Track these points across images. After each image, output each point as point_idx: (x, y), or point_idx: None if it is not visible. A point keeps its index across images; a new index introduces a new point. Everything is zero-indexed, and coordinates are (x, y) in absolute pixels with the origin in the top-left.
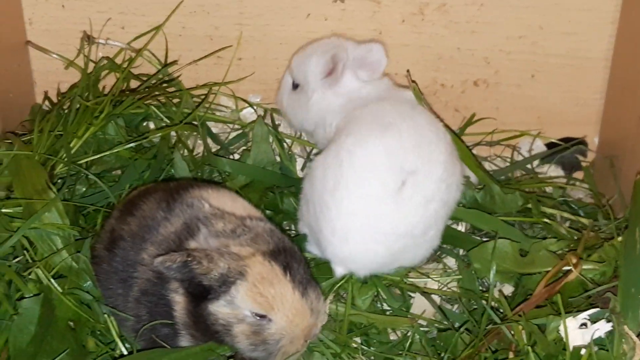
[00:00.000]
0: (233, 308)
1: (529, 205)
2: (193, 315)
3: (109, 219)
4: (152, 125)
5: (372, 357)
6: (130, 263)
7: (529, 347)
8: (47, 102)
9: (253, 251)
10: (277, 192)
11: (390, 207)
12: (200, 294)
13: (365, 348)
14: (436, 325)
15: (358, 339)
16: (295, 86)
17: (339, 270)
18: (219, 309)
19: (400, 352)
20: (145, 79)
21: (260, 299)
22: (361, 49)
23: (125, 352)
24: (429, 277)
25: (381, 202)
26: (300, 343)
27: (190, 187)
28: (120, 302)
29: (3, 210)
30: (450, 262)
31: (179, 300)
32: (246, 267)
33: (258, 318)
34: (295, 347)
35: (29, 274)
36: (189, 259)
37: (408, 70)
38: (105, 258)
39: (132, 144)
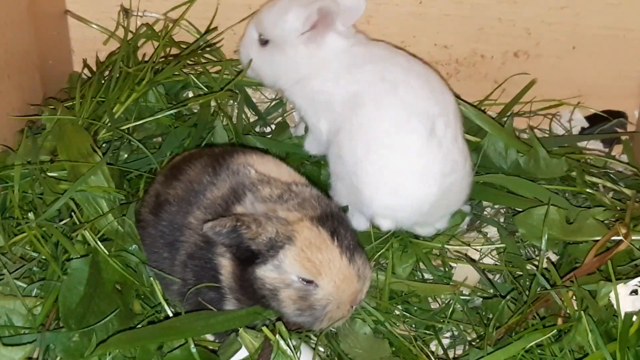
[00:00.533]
0: (280, 273)
1: (571, 174)
2: (240, 279)
3: (153, 184)
4: (190, 94)
5: (414, 325)
6: (177, 227)
7: (582, 312)
8: (85, 70)
9: (301, 216)
10: (314, 162)
11: (433, 150)
12: (248, 258)
13: (407, 314)
14: (479, 294)
15: (399, 307)
16: (264, 42)
17: (386, 224)
18: (266, 273)
19: (442, 320)
20: (185, 46)
21: (307, 264)
22: None
23: (170, 315)
24: (469, 245)
25: (423, 149)
26: (347, 309)
27: (235, 153)
28: (166, 266)
29: (48, 173)
30: (491, 232)
31: (225, 264)
32: (294, 232)
33: (305, 283)
34: (341, 313)
35: (76, 236)
36: (238, 223)
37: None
38: (151, 222)
39: (173, 111)
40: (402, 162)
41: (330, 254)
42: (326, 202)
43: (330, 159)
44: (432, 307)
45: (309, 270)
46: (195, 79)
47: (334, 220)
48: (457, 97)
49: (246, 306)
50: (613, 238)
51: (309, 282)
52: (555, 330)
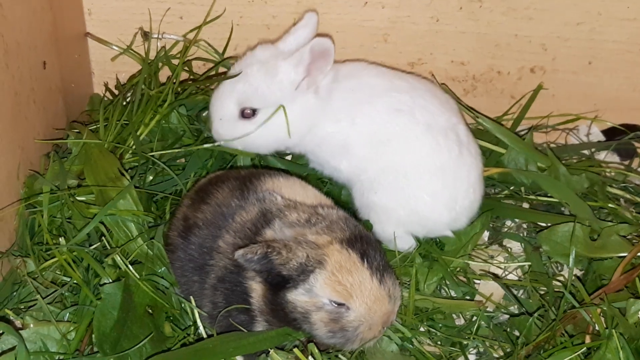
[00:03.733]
0: (311, 296)
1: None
2: (271, 302)
3: (180, 207)
4: None
5: (439, 342)
6: (206, 250)
7: (613, 330)
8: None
9: (330, 239)
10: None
11: (466, 159)
12: (279, 283)
13: (434, 330)
14: (502, 310)
15: (424, 324)
16: (250, 114)
17: (449, 234)
18: (297, 297)
19: (467, 336)
20: (205, 68)
21: (339, 288)
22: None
23: (204, 335)
24: (492, 263)
25: (458, 163)
26: (378, 329)
27: (262, 176)
28: (196, 289)
29: (76, 197)
30: (512, 246)
31: (256, 287)
32: (324, 256)
33: (336, 306)
34: (373, 333)
35: (107, 260)
36: (269, 250)
37: (432, 74)
38: (180, 246)
39: (209, 145)
40: (446, 181)
41: (360, 276)
42: (354, 223)
43: (365, 195)
44: (457, 324)
45: (341, 294)
46: None
47: (362, 242)
48: (476, 111)
49: (276, 328)
50: (639, 254)
51: (341, 304)
52: (585, 348)
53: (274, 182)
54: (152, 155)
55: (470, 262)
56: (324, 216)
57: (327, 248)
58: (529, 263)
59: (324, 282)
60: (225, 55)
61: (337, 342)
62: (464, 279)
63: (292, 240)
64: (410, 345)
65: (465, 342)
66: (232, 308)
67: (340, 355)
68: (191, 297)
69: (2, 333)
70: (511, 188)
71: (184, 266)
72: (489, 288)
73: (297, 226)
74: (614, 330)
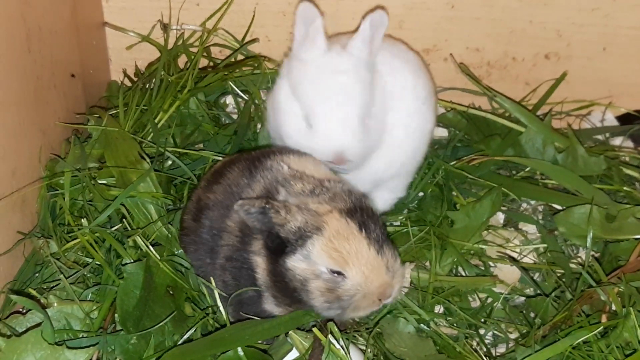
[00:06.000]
0: (309, 264)
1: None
2: (273, 274)
3: (195, 190)
4: (229, 100)
5: (455, 324)
6: (216, 232)
7: (631, 308)
8: (125, 79)
9: (330, 208)
10: None
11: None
12: (278, 247)
13: (451, 309)
14: (518, 293)
15: (439, 307)
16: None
17: None
18: (296, 264)
19: (484, 320)
20: (222, 55)
21: (335, 254)
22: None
23: (225, 316)
24: (507, 247)
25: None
26: (373, 300)
27: (272, 154)
28: (209, 271)
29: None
30: (528, 229)
31: (260, 262)
32: (323, 223)
33: (333, 274)
34: (367, 302)
35: (128, 241)
36: (268, 206)
37: (451, 54)
38: (193, 228)
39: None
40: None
41: (358, 244)
42: (357, 196)
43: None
44: (473, 306)
45: (337, 261)
46: (234, 86)
47: (363, 213)
48: (495, 91)
49: (282, 302)
50: None
51: (337, 272)
52: (601, 327)
53: (282, 158)
54: (169, 149)
55: (485, 246)
56: (328, 188)
57: (327, 216)
58: (545, 245)
59: (321, 249)
60: (244, 43)
61: (334, 313)
62: (480, 262)
63: (293, 204)
64: (427, 328)
65: (481, 323)
66: (242, 291)
67: (357, 336)
68: (211, 278)
69: (29, 310)
70: (527, 169)
71: (198, 249)
72: (504, 271)
73: (302, 196)
74: (631, 309)
